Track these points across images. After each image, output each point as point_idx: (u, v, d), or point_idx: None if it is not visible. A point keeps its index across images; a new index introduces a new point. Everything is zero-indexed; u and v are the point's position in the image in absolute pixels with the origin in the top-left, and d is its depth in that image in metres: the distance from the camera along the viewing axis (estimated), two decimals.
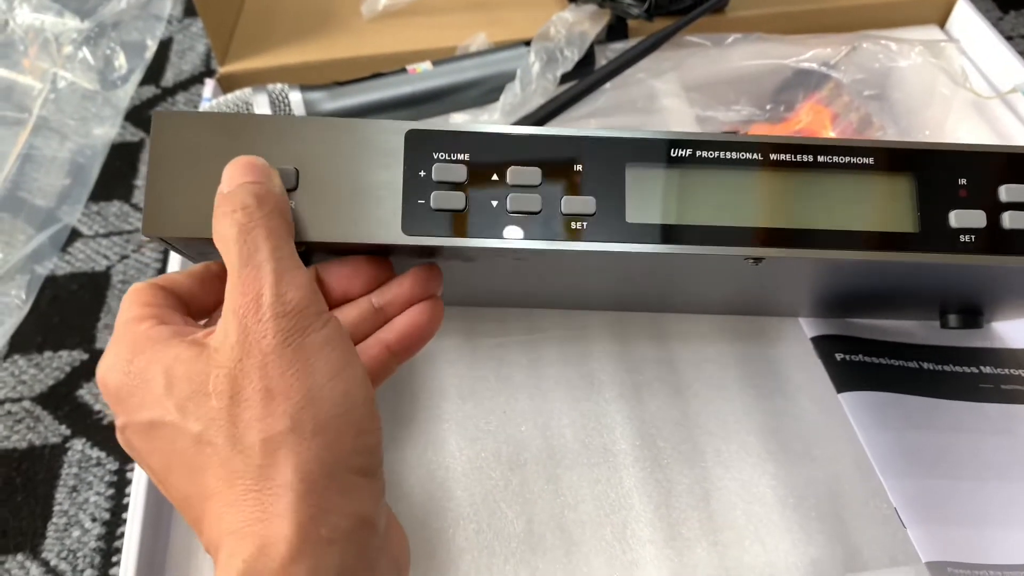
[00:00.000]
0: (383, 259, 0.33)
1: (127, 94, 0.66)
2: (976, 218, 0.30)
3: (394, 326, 0.33)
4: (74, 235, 0.66)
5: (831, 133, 0.56)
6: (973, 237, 0.30)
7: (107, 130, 0.68)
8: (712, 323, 0.49)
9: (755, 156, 0.31)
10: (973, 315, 0.44)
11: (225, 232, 0.27)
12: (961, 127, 0.55)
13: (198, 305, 0.31)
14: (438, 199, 0.30)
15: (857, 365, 0.44)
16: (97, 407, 0.56)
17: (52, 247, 0.64)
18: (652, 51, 0.54)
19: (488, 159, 0.30)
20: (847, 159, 0.31)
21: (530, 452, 0.44)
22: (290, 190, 0.30)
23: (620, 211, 0.30)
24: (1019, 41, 0.73)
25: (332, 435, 0.25)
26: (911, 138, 0.55)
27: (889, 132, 0.56)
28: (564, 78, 0.53)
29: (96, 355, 0.59)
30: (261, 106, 0.51)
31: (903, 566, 0.38)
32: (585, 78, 0.52)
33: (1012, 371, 0.46)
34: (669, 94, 0.56)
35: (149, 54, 0.67)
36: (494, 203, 0.30)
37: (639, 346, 0.48)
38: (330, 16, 0.66)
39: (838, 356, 0.45)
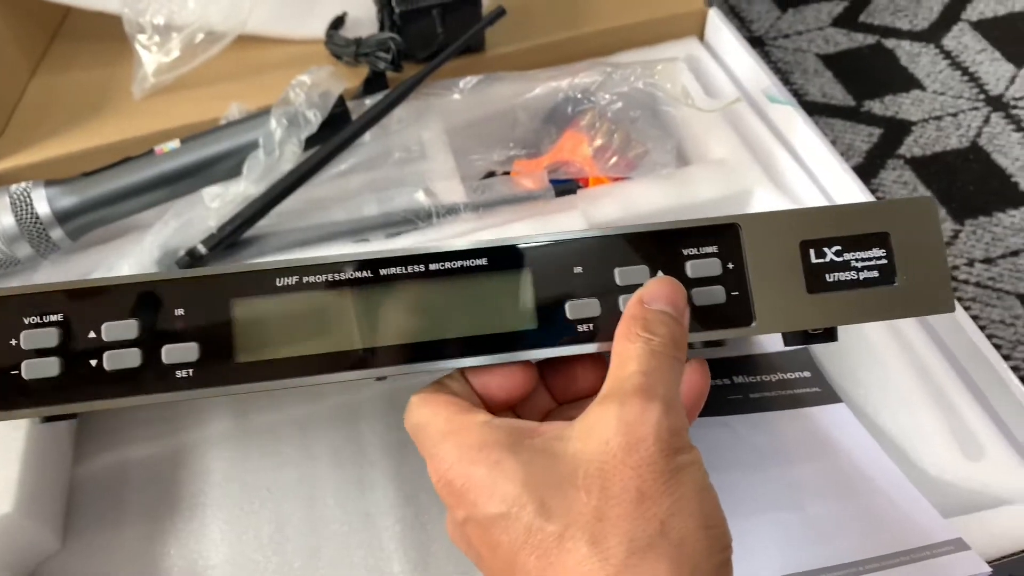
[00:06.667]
0: None
1: None
2: (591, 307, 0.30)
3: None
4: None
5: (589, 154, 0.57)
6: (591, 326, 0.30)
7: None
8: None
9: (366, 274, 0.30)
10: None
11: (632, 347, 0.29)
12: (712, 140, 0.56)
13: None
14: (30, 368, 0.29)
15: None
16: None
17: None
18: (400, 102, 0.54)
19: (81, 317, 0.29)
20: (459, 263, 0.30)
21: (293, 527, 0.43)
22: None
23: (228, 352, 0.29)
24: (796, 38, 0.75)
25: (696, 547, 0.26)
26: (664, 153, 0.57)
27: (651, 148, 0.57)
28: (314, 139, 0.53)
29: None
30: (2, 210, 0.50)
31: None
32: (331, 139, 0.52)
33: (763, 378, 0.47)
34: (429, 142, 0.56)
35: None
36: (93, 363, 0.29)
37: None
38: (104, 100, 0.65)
39: None
